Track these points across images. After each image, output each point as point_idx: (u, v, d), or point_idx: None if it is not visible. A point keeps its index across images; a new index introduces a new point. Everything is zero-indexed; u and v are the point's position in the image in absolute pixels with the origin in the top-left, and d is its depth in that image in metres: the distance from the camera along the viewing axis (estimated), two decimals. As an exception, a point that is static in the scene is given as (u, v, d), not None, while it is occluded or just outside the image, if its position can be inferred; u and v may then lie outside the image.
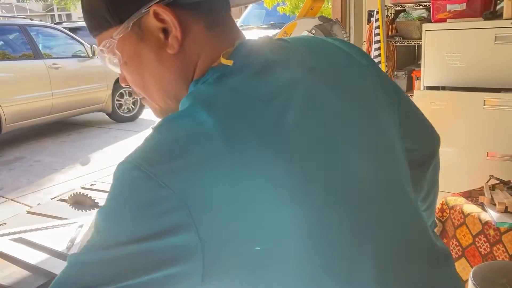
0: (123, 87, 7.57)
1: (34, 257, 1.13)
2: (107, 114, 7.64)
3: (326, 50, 0.72)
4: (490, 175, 2.20)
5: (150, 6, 0.60)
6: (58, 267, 1.08)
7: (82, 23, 10.11)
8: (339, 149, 0.61)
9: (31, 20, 7.48)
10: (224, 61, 0.61)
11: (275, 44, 0.68)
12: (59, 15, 35.55)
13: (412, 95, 2.77)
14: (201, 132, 0.55)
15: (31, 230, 1.24)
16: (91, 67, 7.14)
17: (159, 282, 0.53)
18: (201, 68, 0.64)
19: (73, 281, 0.53)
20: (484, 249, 1.92)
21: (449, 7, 2.49)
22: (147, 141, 0.57)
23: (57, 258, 1.13)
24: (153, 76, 0.65)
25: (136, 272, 0.52)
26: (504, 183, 2.16)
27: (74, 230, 1.23)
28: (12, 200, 4.37)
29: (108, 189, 1.55)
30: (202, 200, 0.52)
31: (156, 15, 0.60)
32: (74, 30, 8.78)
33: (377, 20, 2.91)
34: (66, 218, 1.31)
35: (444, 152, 2.91)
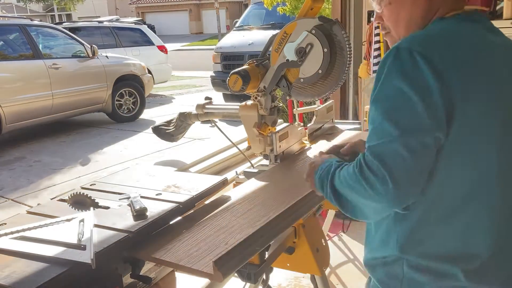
0: (123, 87, 7.61)
1: (44, 250, 1.12)
2: (107, 114, 7.64)
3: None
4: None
5: None
6: (78, 255, 1.09)
7: (82, 23, 10.12)
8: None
9: (31, 20, 7.47)
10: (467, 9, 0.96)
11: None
12: (59, 15, 35.55)
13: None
14: (460, 44, 0.91)
15: (29, 229, 1.24)
16: (91, 67, 7.14)
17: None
18: (440, 13, 0.96)
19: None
20: (484, 249, 1.92)
21: (449, 7, 2.48)
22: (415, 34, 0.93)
23: (71, 248, 1.13)
24: (406, 15, 0.98)
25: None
26: (504, 183, 2.16)
27: (77, 225, 1.23)
28: (12, 200, 4.37)
29: (108, 189, 1.54)
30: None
31: None
32: (74, 30, 8.77)
33: (377, 20, 2.91)
34: (66, 218, 1.32)
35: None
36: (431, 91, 0.84)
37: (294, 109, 3.70)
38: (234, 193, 1.51)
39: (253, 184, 1.58)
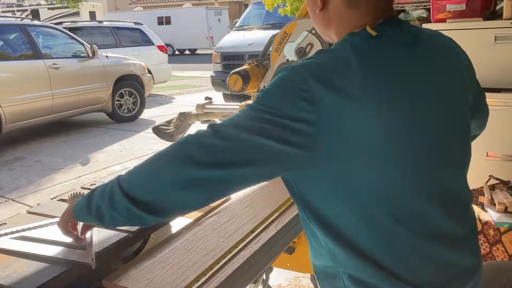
0: (123, 87, 7.61)
1: (44, 250, 1.12)
2: (107, 114, 7.64)
3: (438, 41, 1.00)
4: (489, 175, 2.20)
5: None
6: (78, 255, 1.09)
7: (82, 23, 10.12)
8: (423, 99, 0.89)
9: (31, 20, 7.46)
10: (369, 30, 0.89)
11: (409, 25, 0.96)
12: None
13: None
14: (346, 64, 0.84)
15: (29, 229, 1.24)
16: (91, 67, 7.14)
17: (272, 150, 0.81)
18: (339, 28, 0.96)
19: (228, 121, 0.85)
20: (484, 249, 1.92)
21: (449, 7, 2.49)
22: (309, 58, 0.88)
23: (71, 248, 1.12)
24: (310, 15, 1.03)
25: (261, 134, 0.81)
26: (504, 183, 2.16)
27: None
28: (12, 200, 4.37)
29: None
30: (329, 105, 0.80)
31: None
32: (74, 30, 8.78)
33: (377, 20, 2.91)
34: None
35: (444, 152, 2.86)
36: (294, 113, 0.81)
37: (294, 109, 3.69)
38: (224, 208, 1.43)
39: (242, 199, 1.51)
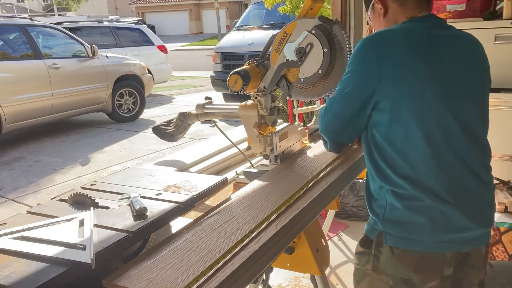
0: (123, 87, 7.61)
1: (44, 250, 1.12)
2: (107, 114, 7.64)
3: (466, 33, 1.38)
4: (490, 175, 2.19)
5: (372, 1, 1.43)
6: (78, 255, 1.08)
7: (82, 23, 10.12)
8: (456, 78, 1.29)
9: (31, 20, 7.47)
10: (414, 16, 1.32)
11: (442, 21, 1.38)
12: (59, 16, 35.53)
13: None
14: (396, 34, 1.28)
15: (29, 229, 1.24)
16: (91, 67, 7.14)
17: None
18: (397, 22, 1.34)
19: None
20: (484, 249, 1.91)
21: (449, 7, 2.49)
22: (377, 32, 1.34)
23: (71, 248, 1.12)
24: (376, 26, 1.45)
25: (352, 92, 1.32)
26: (504, 183, 2.16)
27: (77, 225, 1.23)
28: (12, 200, 4.37)
29: (108, 189, 1.54)
30: (386, 60, 1.24)
31: (375, 3, 1.40)
32: (74, 30, 8.78)
33: (377, 20, 2.91)
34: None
35: (444, 152, 2.86)
36: (370, 68, 1.25)
37: (294, 109, 3.70)
38: (224, 208, 1.42)
39: (242, 199, 1.49)
